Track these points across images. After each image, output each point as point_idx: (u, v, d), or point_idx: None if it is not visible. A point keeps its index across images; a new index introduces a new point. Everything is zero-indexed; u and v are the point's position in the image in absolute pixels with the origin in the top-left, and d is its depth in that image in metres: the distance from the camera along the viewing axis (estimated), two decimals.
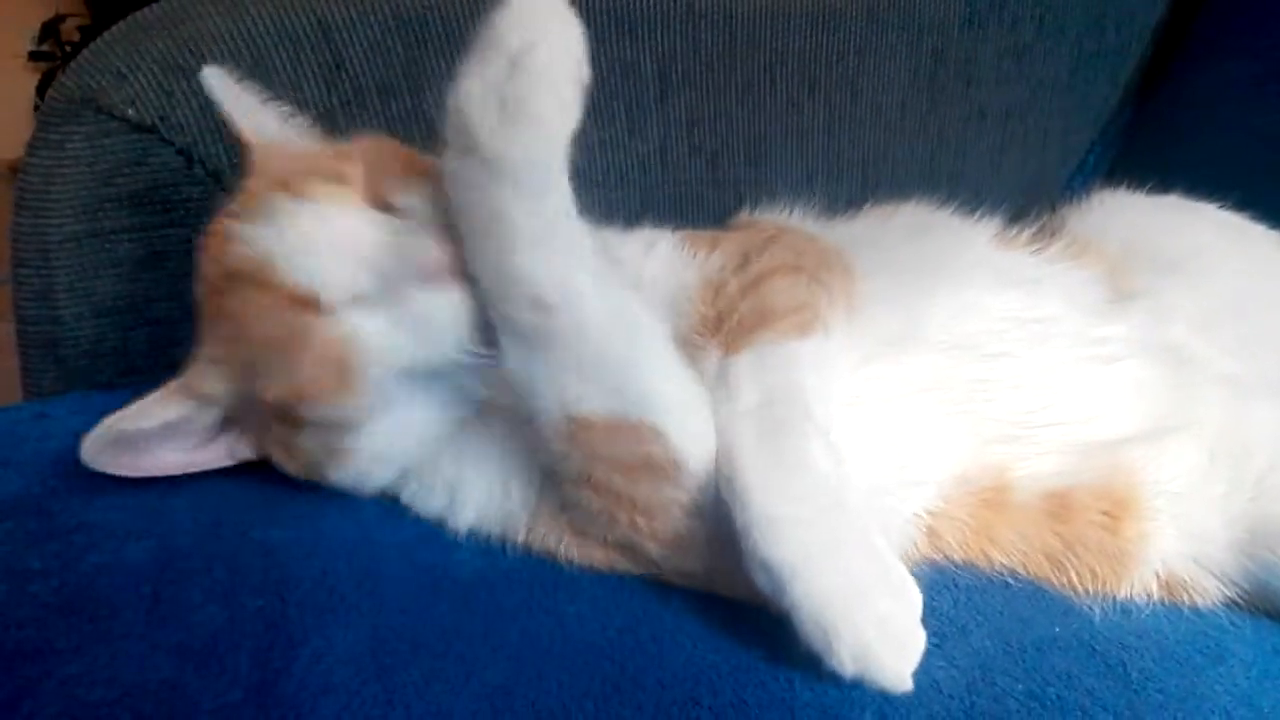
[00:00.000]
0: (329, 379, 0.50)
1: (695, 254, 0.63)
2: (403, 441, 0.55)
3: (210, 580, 0.50)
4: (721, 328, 0.56)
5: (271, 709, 0.43)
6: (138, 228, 0.77)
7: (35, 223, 0.74)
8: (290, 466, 0.57)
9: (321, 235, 0.51)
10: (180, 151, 0.76)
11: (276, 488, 0.60)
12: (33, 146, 0.74)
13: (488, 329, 0.49)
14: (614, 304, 0.49)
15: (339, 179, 0.54)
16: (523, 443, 0.54)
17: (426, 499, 0.57)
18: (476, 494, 0.56)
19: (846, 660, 0.43)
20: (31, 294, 0.75)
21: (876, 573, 0.46)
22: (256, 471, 0.62)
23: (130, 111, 0.73)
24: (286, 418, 0.53)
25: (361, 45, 0.80)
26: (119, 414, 0.54)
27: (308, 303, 0.50)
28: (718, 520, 0.49)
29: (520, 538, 0.55)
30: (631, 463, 0.50)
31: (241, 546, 0.53)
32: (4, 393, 0.82)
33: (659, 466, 0.50)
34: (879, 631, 0.44)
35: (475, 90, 0.43)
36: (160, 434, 0.56)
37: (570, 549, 0.54)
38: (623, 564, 0.53)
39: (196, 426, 0.57)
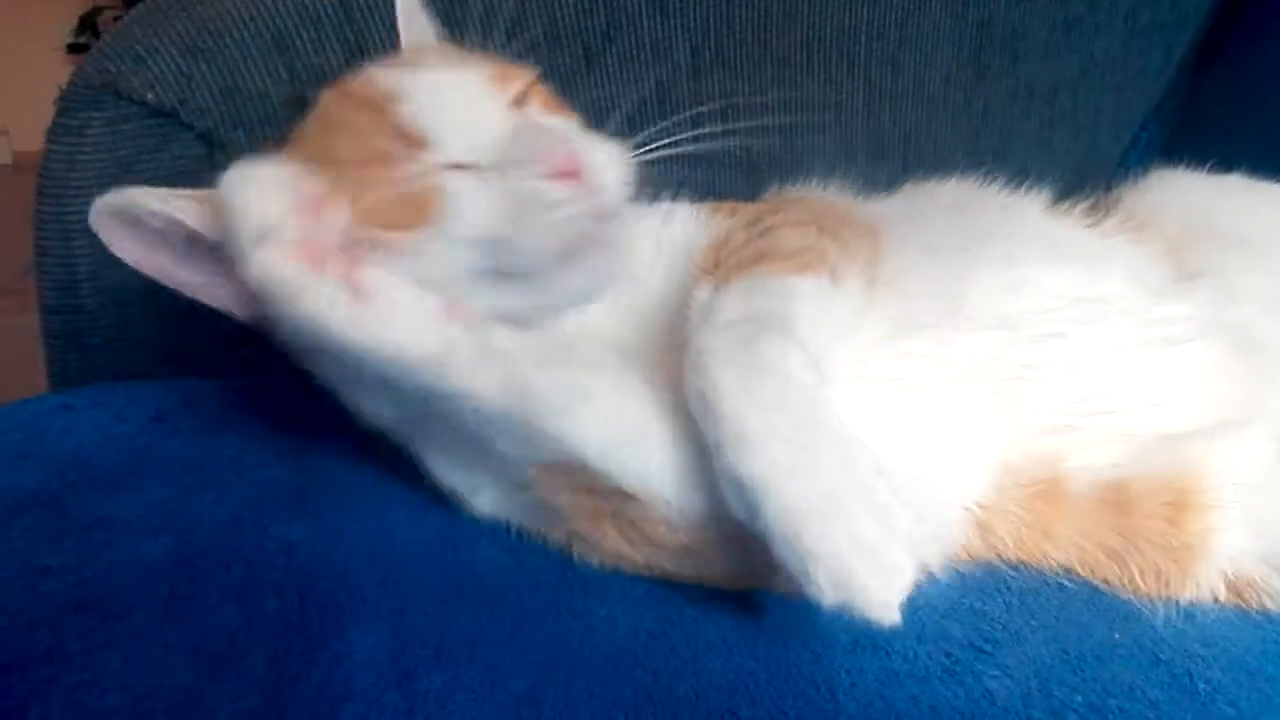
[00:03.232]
0: (410, 206, 0.49)
1: (712, 219, 0.60)
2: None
3: (228, 579, 0.49)
4: (719, 270, 0.53)
5: (288, 716, 0.41)
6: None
7: (57, 211, 0.73)
8: None
9: (457, 94, 0.53)
10: (201, 136, 0.75)
11: (300, 482, 0.59)
12: (53, 133, 0.73)
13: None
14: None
15: (500, 78, 0.55)
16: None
17: (437, 464, 0.55)
18: (488, 489, 0.54)
19: (825, 586, 0.40)
20: (54, 284, 0.75)
21: (859, 490, 0.42)
22: (281, 465, 0.61)
23: (150, 95, 0.72)
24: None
25: (384, 22, 0.78)
26: (143, 189, 0.51)
27: (414, 140, 0.51)
28: (719, 521, 0.46)
29: (539, 528, 0.53)
30: (604, 495, 0.48)
31: (261, 544, 0.52)
32: (33, 383, 0.81)
33: (624, 498, 0.48)
34: (861, 555, 0.40)
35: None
36: (177, 233, 0.52)
37: (590, 551, 0.52)
38: (643, 567, 0.51)
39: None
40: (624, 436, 0.48)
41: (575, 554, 0.52)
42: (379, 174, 0.50)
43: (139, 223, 0.52)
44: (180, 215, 0.51)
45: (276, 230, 0.46)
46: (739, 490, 0.42)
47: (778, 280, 0.51)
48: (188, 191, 0.52)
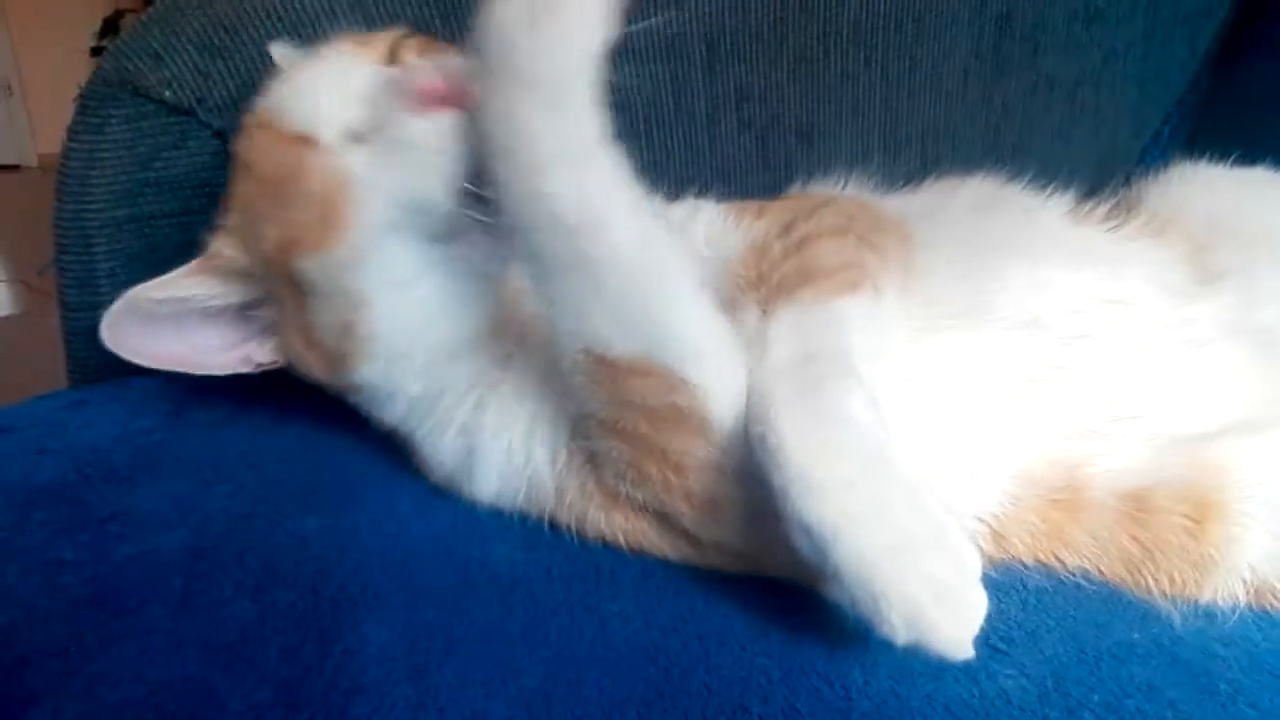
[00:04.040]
0: (318, 216, 0.50)
1: (740, 221, 0.60)
2: (415, 322, 0.53)
3: (242, 573, 0.49)
4: (762, 288, 0.53)
5: (300, 709, 0.41)
6: (177, 213, 0.76)
7: (76, 208, 0.74)
8: (314, 364, 0.56)
9: (322, 79, 0.53)
10: (218, 134, 0.75)
11: (313, 476, 0.59)
12: (73, 131, 0.74)
13: (483, 181, 0.46)
14: (642, 236, 0.45)
15: (358, 43, 0.55)
16: (548, 392, 0.52)
17: (438, 444, 0.55)
18: (497, 450, 0.53)
19: (899, 626, 0.40)
20: (74, 281, 0.75)
21: (927, 531, 0.42)
22: (294, 459, 0.61)
23: (168, 93, 0.73)
24: (293, 282, 0.52)
25: (399, 18, 0.78)
26: (144, 284, 0.56)
27: (306, 141, 0.51)
28: (753, 484, 0.45)
29: (547, 507, 0.53)
30: (658, 410, 0.47)
31: (274, 537, 0.52)
32: (54, 380, 0.82)
33: (687, 419, 0.47)
34: (932, 593, 0.40)
35: (507, 7, 0.42)
36: (181, 313, 0.57)
37: (600, 518, 0.51)
38: (656, 540, 0.51)
39: (219, 306, 0.58)
40: (718, 352, 0.47)
41: (589, 530, 0.52)
42: (288, 184, 0.51)
43: (150, 319, 0.56)
44: (189, 291, 0.56)
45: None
46: (807, 535, 0.42)
47: (827, 307, 0.50)
48: (184, 269, 0.56)
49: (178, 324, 0.57)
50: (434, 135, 0.48)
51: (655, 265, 0.46)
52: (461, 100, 0.47)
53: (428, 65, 0.51)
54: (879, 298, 0.52)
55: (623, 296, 0.45)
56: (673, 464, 0.48)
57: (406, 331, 0.53)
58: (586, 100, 0.43)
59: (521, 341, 0.54)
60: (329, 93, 0.52)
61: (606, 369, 0.47)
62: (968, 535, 0.50)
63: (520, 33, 0.41)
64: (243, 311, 0.58)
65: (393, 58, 0.54)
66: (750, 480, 0.46)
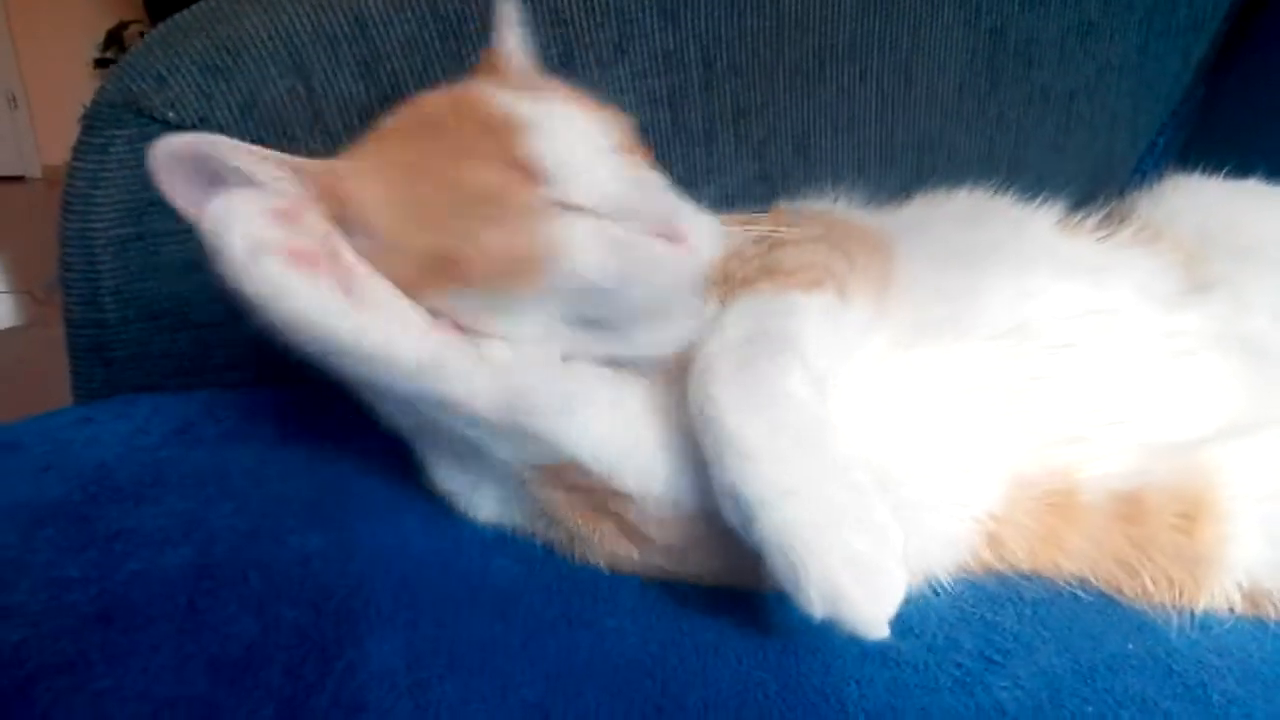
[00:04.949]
0: (508, 260, 0.48)
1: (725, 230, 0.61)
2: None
3: (245, 590, 0.49)
4: (727, 284, 0.54)
5: None
6: (182, 231, 0.75)
7: (81, 227, 0.75)
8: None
9: (581, 133, 0.51)
10: None
11: (316, 493, 0.59)
12: (77, 151, 0.75)
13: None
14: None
15: (607, 120, 0.54)
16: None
17: (439, 460, 0.56)
18: (495, 475, 0.54)
19: (815, 599, 0.41)
20: (78, 298, 0.76)
21: (853, 507, 0.43)
22: (298, 476, 0.62)
23: (171, 114, 0.73)
24: (434, 274, 0.49)
25: (398, 40, 0.79)
26: (229, 141, 0.48)
27: (531, 174, 0.49)
28: (712, 521, 0.46)
29: (540, 530, 0.54)
30: (601, 494, 0.49)
31: (277, 554, 0.52)
32: (59, 390, 0.83)
33: (619, 498, 0.49)
34: (852, 571, 0.41)
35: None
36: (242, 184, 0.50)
37: (586, 552, 0.53)
38: (640, 563, 0.52)
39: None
40: (619, 439, 0.49)
41: (576, 554, 0.53)
42: (493, 207, 0.48)
43: (213, 176, 0.48)
44: (268, 180, 0.48)
45: (264, 244, 0.46)
46: (735, 504, 0.43)
47: (784, 296, 0.51)
48: (281, 157, 0.49)
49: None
50: (677, 268, 0.49)
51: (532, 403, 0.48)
52: (683, 240, 0.49)
53: (668, 194, 0.51)
54: (843, 301, 0.52)
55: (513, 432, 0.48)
56: (630, 531, 0.50)
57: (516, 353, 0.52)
58: None
59: None
60: (590, 161, 0.50)
61: (546, 474, 0.50)
62: (944, 533, 0.51)
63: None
64: None
65: (624, 148, 0.53)
66: (719, 525, 0.46)
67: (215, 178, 0.48)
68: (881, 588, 0.42)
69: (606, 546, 0.52)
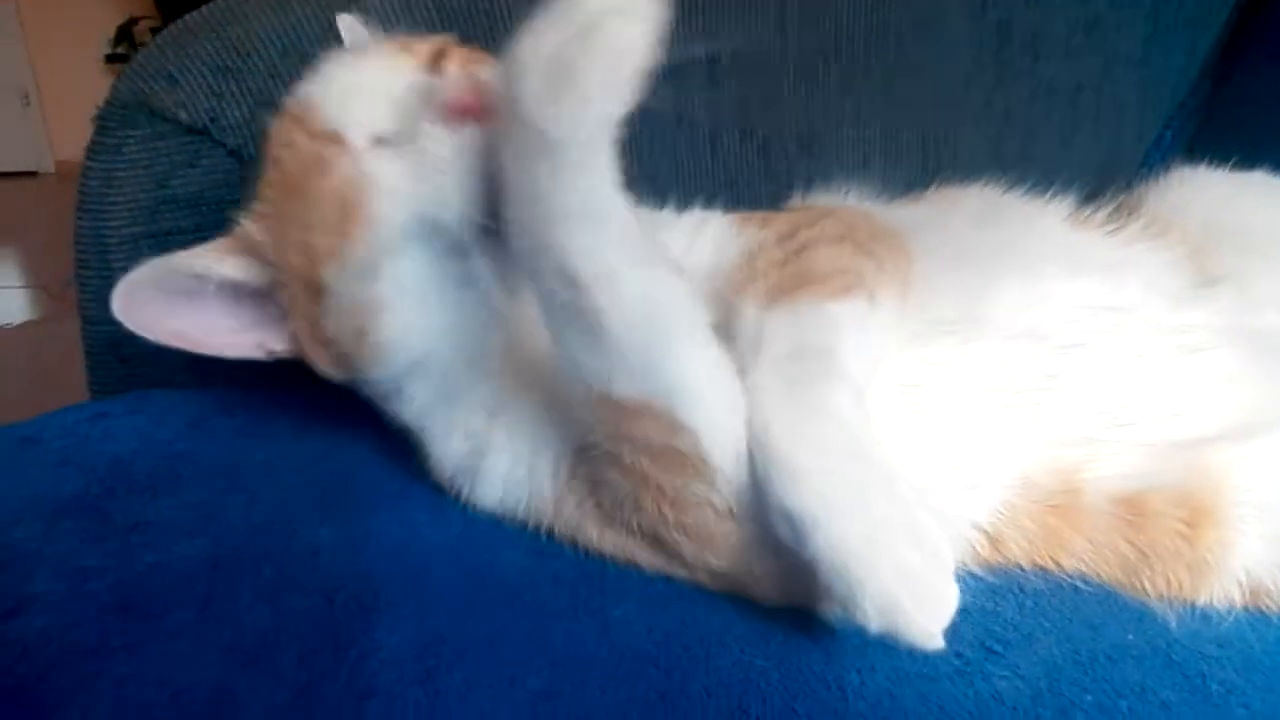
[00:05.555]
0: (335, 217, 0.50)
1: (744, 230, 0.61)
2: (429, 334, 0.53)
3: (260, 580, 0.51)
4: (758, 282, 0.54)
5: (316, 712, 0.43)
6: (194, 229, 0.78)
7: (95, 225, 0.76)
8: (323, 360, 0.56)
9: (360, 79, 0.53)
10: (232, 153, 0.77)
11: (328, 486, 0.60)
12: (91, 150, 0.76)
13: (496, 200, 0.46)
14: (648, 287, 0.46)
15: (402, 46, 0.55)
16: (555, 415, 0.53)
17: (445, 446, 0.56)
18: (502, 461, 0.55)
19: (871, 613, 0.42)
20: (93, 295, 0.77)
21: (905, 523, 0.43)
22: (309, 469, 0.62)
23: (182, 114, 0.74)
24: (308, 279, 0.53)
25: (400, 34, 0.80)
26: (165, 256, 0.55)
27: (335, 139, 0.51)
28: (753, 522, 0.47)
29: (545, 518, 0.54)
30: (658, 449, 0.48)
31: (290, 545, 0.54)
32: (75, 383, 0.84)
33: (686, 460, 0.48)
34: (906, 584, 0.41)
35: (533, 53, 0.41)
36: (198, 290, 0.56)
37: (593, 535, 0.53)
38: (645, 558, 0.52)
39: (237, 288, 0.57)
40: (719, 396, 0.48)
41: (578, 542, 0.53)
42: (314, 187, 0.51)
43: (163, 292, 0.56)
44: (211, 268, 0.55)
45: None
46: (788, 521, 0.44)
47: (821, 309, 0.51)
48: (209, 245, 0.55)
49: (192, 300, 0.56)
50: (455, 149, 0.48)
51: (659, 315, 0.46)
52: (490, 118, 0.47)
53: (463, 78, 0.51)
54: (873, 305, 0.53)
55: (626, 344, 0.46)
56: (670, 500, 0.49)
57: (421, 342, 0.54)
58: (604, 161, 0.43)
59: (533, 364, 0.54)
60: (364, 95, 0.52)
61: (609, 407, 0.47)
62: (946, 532, 0.50)
63: (539, 88, 0.41)
64: (261, 296, 0.57)
65: (434, 65, 0.53)
66: (751, 518, 0.47)
67: (184, 288, 0.56)
68: (935, 600, 0.42)
69: (625, 535, 0.51)
